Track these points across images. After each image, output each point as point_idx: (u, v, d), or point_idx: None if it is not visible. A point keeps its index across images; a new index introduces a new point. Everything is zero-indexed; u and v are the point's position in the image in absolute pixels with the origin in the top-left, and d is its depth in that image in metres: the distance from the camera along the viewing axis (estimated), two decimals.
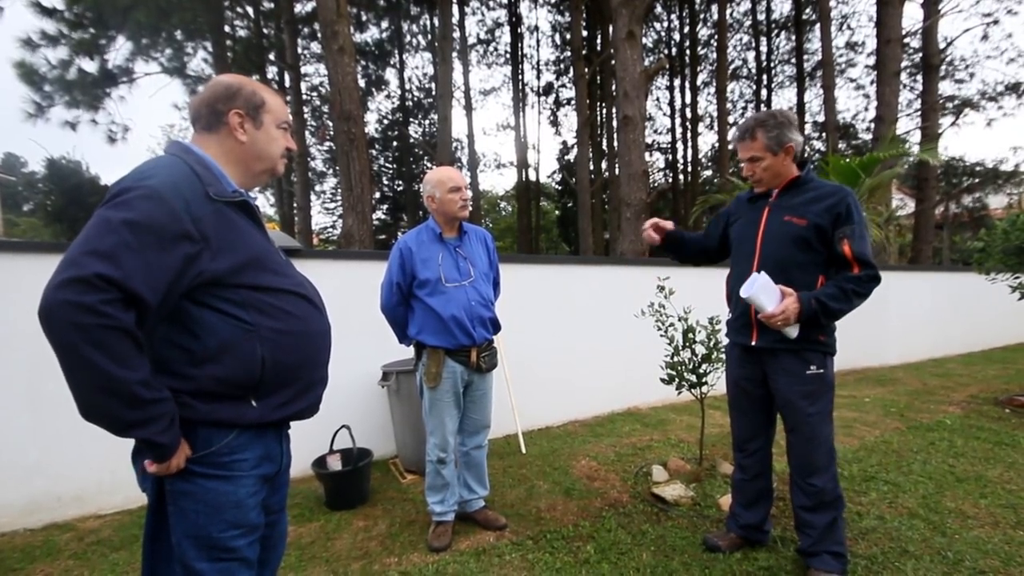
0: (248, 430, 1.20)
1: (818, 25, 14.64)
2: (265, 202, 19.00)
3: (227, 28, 13.35)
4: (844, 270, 2.03)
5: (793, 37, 19.21)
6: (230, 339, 1.15)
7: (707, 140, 23.41)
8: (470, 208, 2.60)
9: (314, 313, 1.33)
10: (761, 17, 20.46)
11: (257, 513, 1.24)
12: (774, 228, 2.12)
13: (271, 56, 15.01)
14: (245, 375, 1.16)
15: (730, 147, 16.09)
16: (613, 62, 8.33)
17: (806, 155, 2.19)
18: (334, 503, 2.98)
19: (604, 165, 18.44)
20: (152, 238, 1.02)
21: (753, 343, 2.17)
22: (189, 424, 1.12)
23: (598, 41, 17.86)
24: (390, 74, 20.17)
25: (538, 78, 21.73)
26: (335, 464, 3.05)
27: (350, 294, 3.45)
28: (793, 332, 2.05)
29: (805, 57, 18.92)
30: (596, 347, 4.83)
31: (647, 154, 12.80)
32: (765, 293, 2.00)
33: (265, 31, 14.82)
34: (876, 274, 2.00)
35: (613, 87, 11.25)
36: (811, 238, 2.04)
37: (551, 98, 22.30)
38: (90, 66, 11.10)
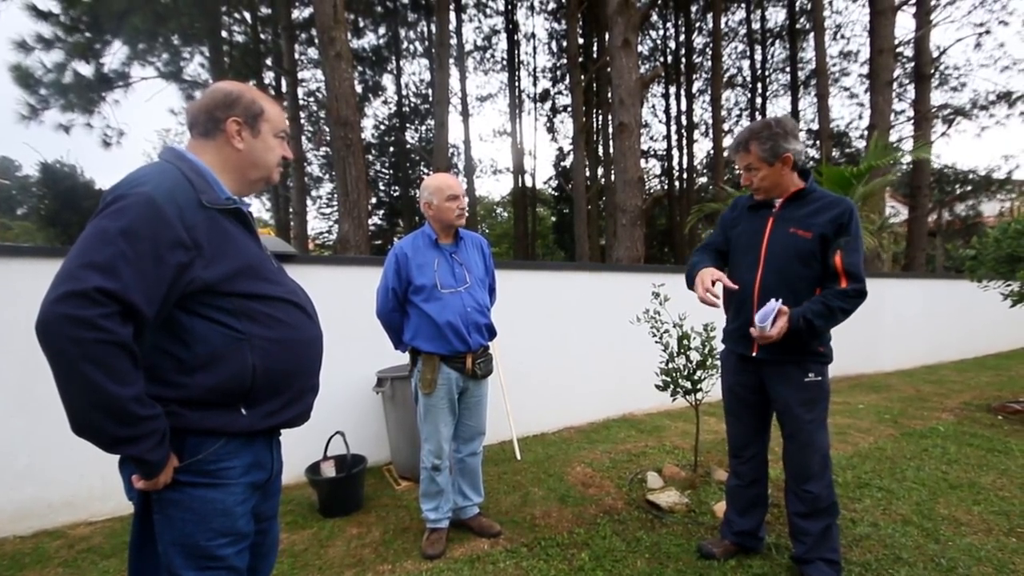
0: (237, 438, 1.19)
1: (812, 34, 14.80)
2: (261, 207, 18.99)
3: (224, 33, 13.36)
4: (832, 282, 2.02)
5: (787, 46, 19.41)
6: (221, 348, 1.14)
7: (702, 147, 23.59)
8: (467, 216, 2.61)
9: (306, 321, 1.32)
10: (756, 26, 20.65)
11: (246, 521, 1.23)
12: (779, 240, 2.11)
13: (268, 61, 15.02)
14: (236, 384, 1.16)
15: (725, 155, 16.21)
16: (609, 69, 8.39)
17: (804, 164, 2.19)
18: (327, 510, 2.96)
19: (600, 171, 18.53)
20: (148, 247, 1.02)
21: (753, 354, 2.17)
22: (178, 433, 1.11)
23: (594, 49, 17.97)
24: (387, 80, 20.26)
25: (535, 85, 21.91)
26: (329, 470, 3.04)
27: (345, 299, 3.44)
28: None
29: (799, 66, 19.13)
30: (591, 353, 4.83)
31: (643, 161, 12.86)
32: (770, 319, 2.01)
33: (262, 36, 14.85)
34: (862, 289, 1.98)
35: (609, 94, 11.32)
36: (816, 251, 2.04)
37: (547, 105, 22.43)
38: (85, 70, 11.06)
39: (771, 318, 1.96)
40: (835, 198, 2.09)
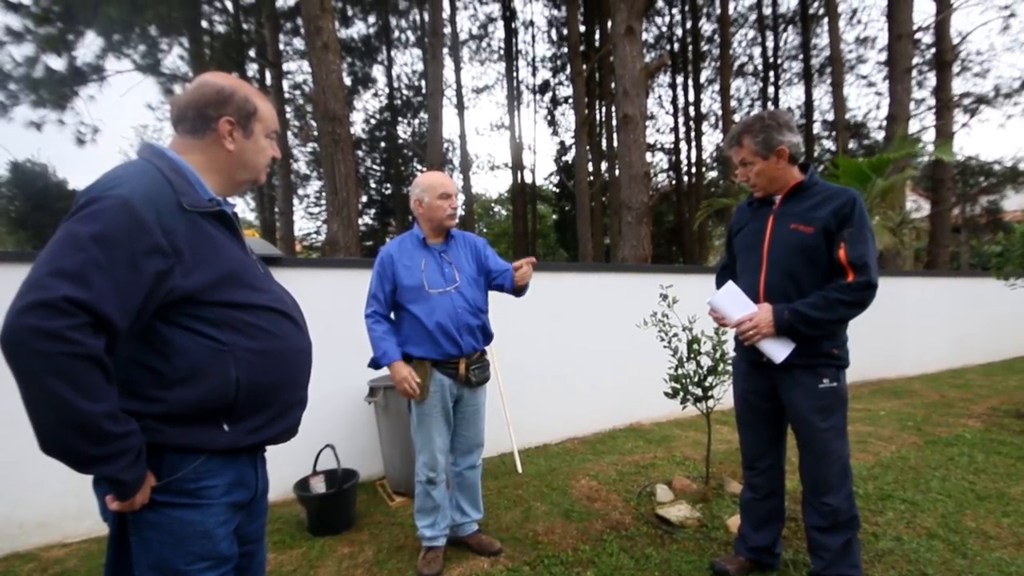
0: (218, 455, 1.18)
1: (826, 19, 14.84)
2: (245, 207, 18.96)
3: (204, 23, 13.39)
4: (840, 277, 2.03)
5: (800, 32, 19.43)
6: (202, 360, 1.13)
7: (712, 140, 23.53)
8: (458, 219, 2.61)
9: (293, 330, 1.32)
10: (767, 11, 20.67)
11: (229, 544, 1.22)
12: (781, 237, 2.13)
13: (251, 53, 15.03)
14: (218, 398, 1.15)
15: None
16: (612, 59, 8.41)
17: (815, 155, 2.22)
18: (317, 528, 2.95)
19: (604, 166, 18.53)
20: (123, 254, 1.00)
21: (763, 359, 2.18)
22: (155, 449, 1.10)
23: (596, 36, 18.01)
24: (377, 71, 20.23)
25: (534, 75, 21.93)
26: (318, 486, 3.03)
27: (335, 304, 3.44)
28: (777, 355, 2.07)
29: (813, 53, 19.13)
30: (596, 359, 4.83)
31: (649, 155, 12.88)
32: (731, 302, 2.04)
33: (245, 26, 14.86)
34: (869, 281, 1.98)
35: (612, 85, 11.34)
36: (820, 246, 2.05)
37: (547, 96, 22.44)
38: (58, 63, 11.10)
39: (719, 296, 2.03)
40: (837, 189, 2.12)
